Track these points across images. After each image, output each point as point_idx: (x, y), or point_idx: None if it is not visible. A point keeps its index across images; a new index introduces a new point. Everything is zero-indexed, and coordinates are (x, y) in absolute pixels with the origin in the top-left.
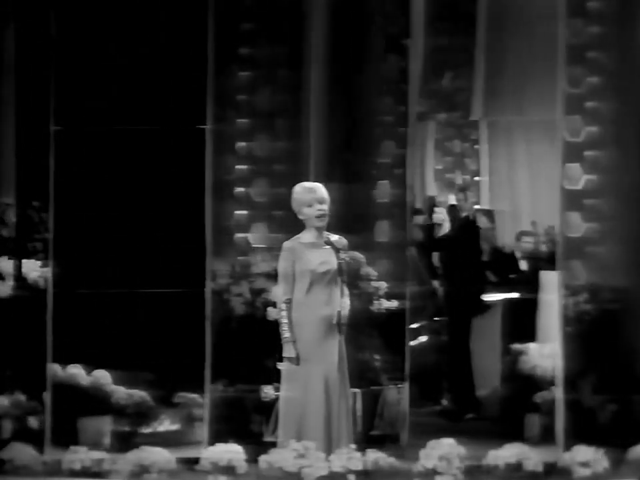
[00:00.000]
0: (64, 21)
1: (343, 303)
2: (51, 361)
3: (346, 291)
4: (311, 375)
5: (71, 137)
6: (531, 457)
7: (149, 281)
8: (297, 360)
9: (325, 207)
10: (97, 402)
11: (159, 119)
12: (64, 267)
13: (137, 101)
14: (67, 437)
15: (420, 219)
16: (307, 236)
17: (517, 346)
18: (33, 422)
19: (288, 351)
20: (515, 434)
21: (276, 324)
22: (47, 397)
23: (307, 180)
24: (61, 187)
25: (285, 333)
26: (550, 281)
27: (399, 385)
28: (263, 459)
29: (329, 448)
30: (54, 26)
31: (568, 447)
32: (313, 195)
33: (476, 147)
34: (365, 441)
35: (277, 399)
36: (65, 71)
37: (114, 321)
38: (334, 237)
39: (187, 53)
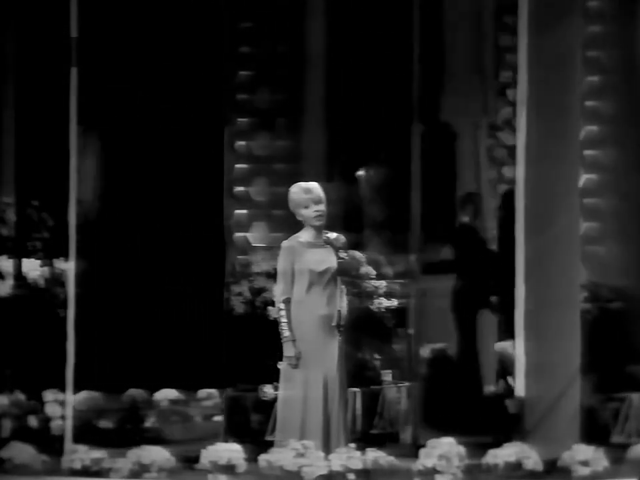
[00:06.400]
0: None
1: (341, 303)
2: (73, 361)
3: (345, 291)
4: (310, 374)
5: (90, 136)
6: (531, 455)
7: (163, 280)
8: (296, 359)
9: (322, 207)
10: None
11: (171, 119)
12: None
13: (150, 102)
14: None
15: None
16: (305, 235)
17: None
18: (32, 421)
19: (288, 350)
20: None
21: (276, 323)
22: (69, 396)
23: (306, 179)
24: (81, 186)
25: (285, 332)
26: None
27: (399, 384)
28: (263, 458)
29: (329, 447)
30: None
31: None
32: (308, 195)
33: None
34: (365, 440)
35: (276, 398)
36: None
37: (127, 320)
38: (333, 235)
39: (196, 54)
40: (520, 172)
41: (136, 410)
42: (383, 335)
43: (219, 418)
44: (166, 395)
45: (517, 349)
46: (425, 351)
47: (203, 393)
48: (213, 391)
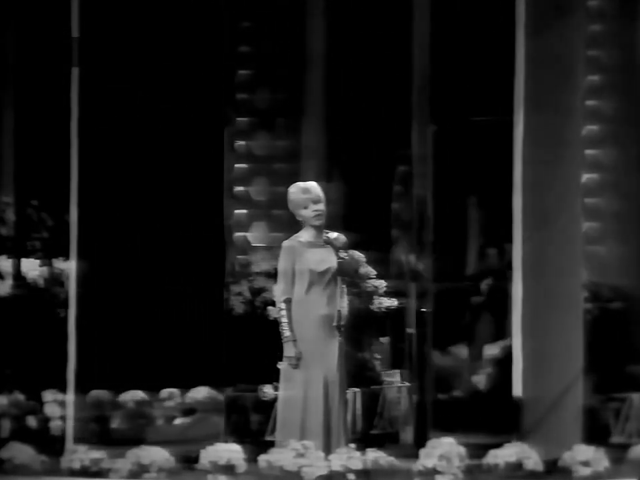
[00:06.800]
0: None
1: (342, 303)
2: (74, 360)
3: (345, 291)
4: (310, 374)
5: (91, 136)
6: (532, 455)
7: (163, 280)
8: (297, 359)
9: (321, 206)
10: None
11: (171, 119)
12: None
13: (150, 101)
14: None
15: None
16: (306, 235)
17: None
18: (31, 421)
19: (288, 350)
20: None
21: (276, 323)
22: (70, 396)
23: (306, 179)
24: (84, 186)
25: (285, 332)
26: None
27: (400, 384)
28: (263, 458)
29: (329, 447)
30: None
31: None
32: (307, 195)
33: None
34: (365, 440)
35: (276, 398)
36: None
37: (126, 320)
38: (333, 235)
39: (196, 54)
40: (517, 171)
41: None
42: (383, 335)
43: (180, 420)
44: (132, 395)
45: (515, 349)
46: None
47: (164, 392)
48: (175, 390)
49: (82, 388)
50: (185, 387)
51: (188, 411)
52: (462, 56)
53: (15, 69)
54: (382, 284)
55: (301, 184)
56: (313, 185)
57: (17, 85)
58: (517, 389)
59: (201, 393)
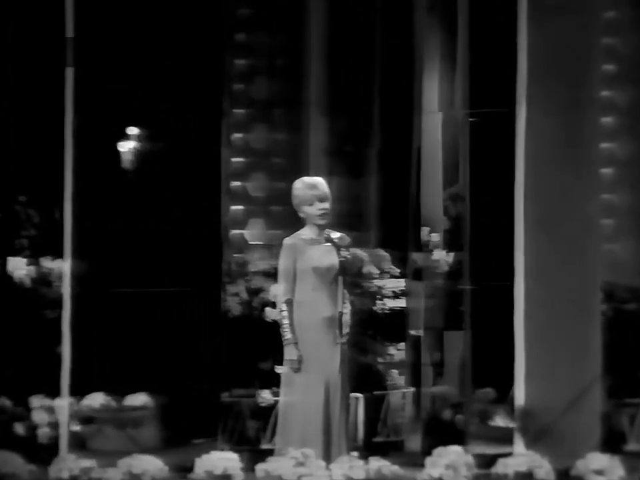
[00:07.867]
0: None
1: (344, 306)
2: (68, 364)
3: (346, 293)
4: (311, 378)
5: (90, 133)
6: (543, 464)
7: (158, 280)
8: (298, 362)
9: (327, 204)
10: None
11: (167, 113)
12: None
13: (146, 96)
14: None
15: None
16: (307, 232)
17: None
18: (19, 428)
19: (289, 353)
20: None
21: (274, 325)
22: (65, 402)
23: (307, 174)
24: (78, 183)
25: (286, 335)
26: None
27: (404, 390)
28: (261, 468)
29: (330, 456)
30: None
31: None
32: (313, 192)
33: None
34: (368, 448)
35: (274, 404)
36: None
37: (120, 321)
38: (335, 235)
39: (192, 43)
40: (520, 168)
41: None
42: (388, 337)
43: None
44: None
45: (517, 352)
46: None
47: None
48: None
49: (75, 393)
50: (180, 391)
51: (85, 419)
52: (467, 44)
53: (7, 65)
54: (385, 284)
55: (307, 179)
56: (319, 181)
57: (10, 83)
58: (520, 396)
59: (96, 400)
